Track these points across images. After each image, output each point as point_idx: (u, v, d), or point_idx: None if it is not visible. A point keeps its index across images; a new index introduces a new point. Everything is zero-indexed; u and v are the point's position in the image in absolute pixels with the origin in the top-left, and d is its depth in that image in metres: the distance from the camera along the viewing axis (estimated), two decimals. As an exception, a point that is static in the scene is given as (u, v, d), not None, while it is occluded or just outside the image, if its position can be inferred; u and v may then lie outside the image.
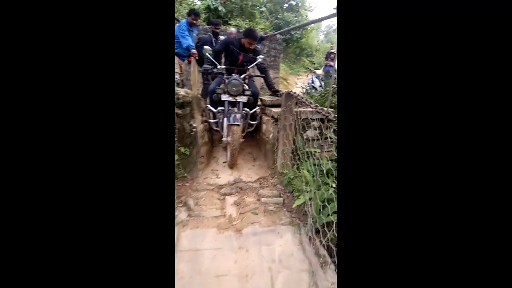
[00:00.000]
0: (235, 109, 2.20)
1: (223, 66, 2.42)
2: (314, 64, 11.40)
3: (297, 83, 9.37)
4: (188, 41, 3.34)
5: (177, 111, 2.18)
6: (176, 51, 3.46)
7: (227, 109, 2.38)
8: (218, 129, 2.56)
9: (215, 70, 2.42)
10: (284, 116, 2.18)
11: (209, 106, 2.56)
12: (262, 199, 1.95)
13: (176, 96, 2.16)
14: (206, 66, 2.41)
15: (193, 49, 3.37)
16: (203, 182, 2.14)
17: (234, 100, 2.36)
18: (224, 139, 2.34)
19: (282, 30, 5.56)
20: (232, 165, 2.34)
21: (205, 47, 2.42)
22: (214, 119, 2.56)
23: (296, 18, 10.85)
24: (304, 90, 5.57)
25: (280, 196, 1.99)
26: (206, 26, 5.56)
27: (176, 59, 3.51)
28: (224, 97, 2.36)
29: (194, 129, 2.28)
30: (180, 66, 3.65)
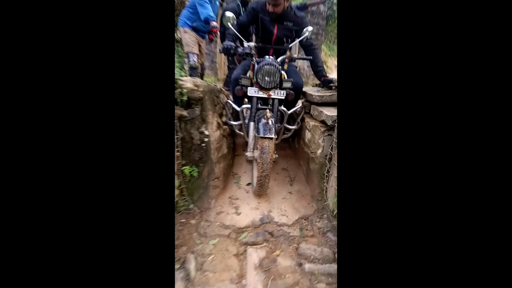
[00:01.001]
0: (267, 111, 1.41)
1: (251, 44, 1.60)
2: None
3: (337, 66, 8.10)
4: (207, 10, 2.53)
5: (181, 112, 1.46)
6: (193, 24, 2.69)
7: (255, 109, 1.60)
8: (242, 133, 1.81)
9: (239, 49, 1.61)
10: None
11: (230, 101, 1.79)
12: (306, 266, 1.19)
13: (179, 90, 1.43)
14: (227, 43, 1.61)
15: (213, 21, 2.56)
16: (215, 221, 1.43)
17: (266, 96, 1.56)
18: (249, 153, 1.58)
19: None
20: (259, 194, 1.59)
21: (226, 14, 1.61)
22: (237, 121, 1.80)
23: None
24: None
25: (335, 261, 1.21)
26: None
27: (193, 35, 2.74)
28: (252, 92, 1.56)
29: (206, 139, 1.55)
30: (199, 45, 2.87)
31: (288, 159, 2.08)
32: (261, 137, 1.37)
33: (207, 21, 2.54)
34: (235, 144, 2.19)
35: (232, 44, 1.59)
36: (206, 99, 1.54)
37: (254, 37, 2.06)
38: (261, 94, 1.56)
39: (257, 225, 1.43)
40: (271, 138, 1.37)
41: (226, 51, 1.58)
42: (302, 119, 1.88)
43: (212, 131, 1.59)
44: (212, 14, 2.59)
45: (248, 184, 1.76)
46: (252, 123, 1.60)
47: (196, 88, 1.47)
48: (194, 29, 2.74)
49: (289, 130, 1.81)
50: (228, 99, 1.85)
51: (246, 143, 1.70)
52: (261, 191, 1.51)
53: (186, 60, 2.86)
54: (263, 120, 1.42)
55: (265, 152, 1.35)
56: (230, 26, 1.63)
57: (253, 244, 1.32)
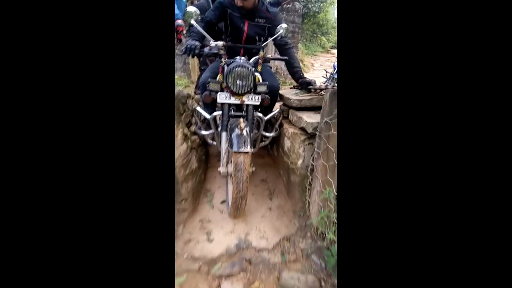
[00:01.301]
0: (241, 120, 1.22)
1: (219, 43, 1.40)
2: (329, 43, 10.06)
3: (314, 65, 8.10)
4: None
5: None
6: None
7: (227, 117, 1.40)
8: (214, 143, 1.60)
9: (205, 49, 1.40)
10: (327, 133, 1.19)
11: (199, 109, 1.57)
12: (290, 302, 1.02)
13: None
14: (190, 42, 1.39)
15: (178, 19, 2.31)
16: (182, 253, 1.22)
17: (239, 102, 1.37)
18: (222, 169, 1.38)
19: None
20: (235, 216, 1.40)
21: (188, 9, 1.39)
22: (208, 130, 1.59)
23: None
24: (329, 76, 4.41)
25: (322, 292, 1.06)
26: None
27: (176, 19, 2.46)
28: (222, 98, 1.36)
29: (169, 154, 1.32)
30: (179, 28, 2.59)
31: (267, 168, 1.91)
32: (235, 152, 1.17)
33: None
34: (208, 154, 1.98)
35: (196, 43, 1.37)
36: (167, 108, 1.32)
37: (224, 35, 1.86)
38: (233, 100, 1.37)
39: (233, 252, 1.23)
40: (247, 153, 1.18)
41: (189, 51, 1.36)
42: (281, 125, 1.71)
43: (176, 146, 1.37)
44: (177, 9, 2.34)
45: (223, 201, 1.56)
46: (224, 133, 1.40)
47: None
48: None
49: (267, 137, 1.63)
50: (196, 107, 1.63)
51: (219, 154, 1.50)
52: (236, 213, 1.32)
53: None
54: (237, 131, 1.22)
55: (239, 169, 1.16)
56: (194, 22, 1.42)
57: (228, 276, 1.13)
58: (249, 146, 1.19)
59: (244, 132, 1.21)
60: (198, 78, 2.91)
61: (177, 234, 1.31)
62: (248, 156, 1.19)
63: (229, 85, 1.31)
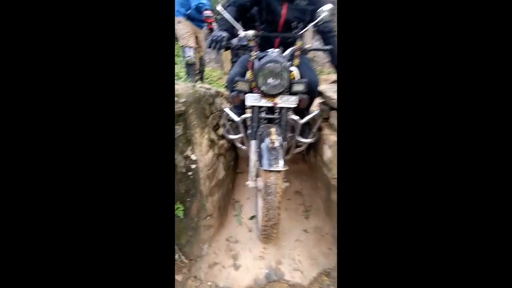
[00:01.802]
0: (273, 130, 1.01)
1: (250, 32, 1.17)
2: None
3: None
4: None
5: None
6: (187, 12, 2.26)
7: (257, 122, 1.19)
8: (244, 147, 1.42)
9: (233, 41, 1.18)
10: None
11: (227, 110, 1.38)
12: None
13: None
14: (216, 33, 1.17)
15: (206, 9, 2.12)
16: (206, 279, 1.08)
17: (271, 104, 1.15)
18: (251, 183, 1.19)
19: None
20: (265, 239, 1.21)
21: None
22: (236, 133, 1.41)
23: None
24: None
25: None
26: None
27: (188, 25, 2.32)
28: (251, 100, 1.15)
29: (193, 166, 1.18)
30: (196, 36, 2.45)
31: (302, 177, 1.67)
32: (265, 170, 0.97)
33: (199, 9, 2.11)
34: (237, 158, 1.81)
35: (223, 34, 1.15)
36: (190, 113, 1.16)
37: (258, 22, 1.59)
38: (264, 103, 1.15)
39: (262, 284, 1.06)
40: (279, 172, 0.96)
41: (214, 44, 1.15)
42: (319, 129, 1.44)
43: (201, 154, 1.21)
44: (204, 0, 2.14)
45: (252, 217, 1.39)
46: (253, 142, 1.20)
47: (175, 98, 1.09)
48: (189, 17, 2.32)
49: (301, 144, 1.39)
50: (225, 108, 1.45)
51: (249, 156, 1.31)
52: (267, 239, 1.13)
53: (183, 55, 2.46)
54: (267, 142, 1.01)
55: (270, 192, 0.96)
56: (221, 9, 1.21)
57: (256, 315, 0.97)
58: (281, 163, 0.97)
59: (276, 144, 0.99)
60: (229, 72, 2.73)
61: (201, 254, 1.18)
62: (281, 175, 0.98)
63: (260, 85, 1.08)
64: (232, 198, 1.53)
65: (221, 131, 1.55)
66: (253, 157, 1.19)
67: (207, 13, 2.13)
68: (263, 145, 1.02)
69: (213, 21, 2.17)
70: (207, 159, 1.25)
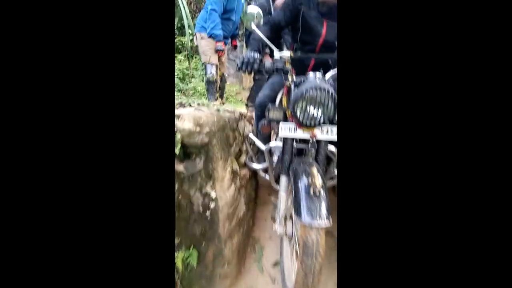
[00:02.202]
0: (314, 169, 0.83)
1: (286, 53, 1.02)
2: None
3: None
4: (213, 23, 2.04)
5: (177, 167, 0.94)
6: (212, 31, 2.16)
7: (289, 157, 1.01)
8: (267, 176, 1.25)
9: (267, 63, 1.03)
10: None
11: (252, 136, 1.22)
12: None
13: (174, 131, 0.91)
14: (248, 55, 1.01)
15: (219, 40, 2.06)
16: None
17: (309, 136, 0.97)
18: (279, 228, 0.98)
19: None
20: None
21: (249, 9, 1.06)
22: (260, 162, 1.25)
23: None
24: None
25: None
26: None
27: (211, 42, 2.23)
28: (286, 131, 0.98)
29: (212, 204, 1.01)
30: (218, 53, 2.35)
31: (333, 213, 1.45)
32: (305, 225, 0.77)
33: (214, 37, 2.04)
34: (257, 187, 1.63)
35: (256, 56, 1.00)
36: (214, 144, 1.00)
37: (290, 40, 1.43)
38: (301, 135, 0.97)
39: None
40: (322, 227, 0.76)
41: (246, 67, 1.00)
42: None
43: (222, 191, 1.04)
44: (217, 30, 2.06)
45: (276, 264, 1.18)
46: (284, 178, 1.01)
47: (198, 129, 0.94)
48: (212, 35, 2.23)
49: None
50: (249, 134, 1.29)
51: (274, 191, 1.13)
52: None
53: (201, 72, 2.38)
54: (305, 182, 0.81)
55: (309, 253, 0.75)
56: (254, 27, 1.07)
57: None
58: (326, 216, 0.77)
59: (319, 191, 0.78)
60: (252, 89, 2.60)
61: (215, 313, 0.99)
62: (324, 232, 0.78)
63: (298, 114, 0.91)
64: (252, 236, 1.34)
65: (243, 158, 1.39)
66: (283, 196, 1.01)
67: (219, 45, 2.06)
68: (301, 187, 0.82)
69: (222, 55, 2.12)
70: (228, 196, 1.08)
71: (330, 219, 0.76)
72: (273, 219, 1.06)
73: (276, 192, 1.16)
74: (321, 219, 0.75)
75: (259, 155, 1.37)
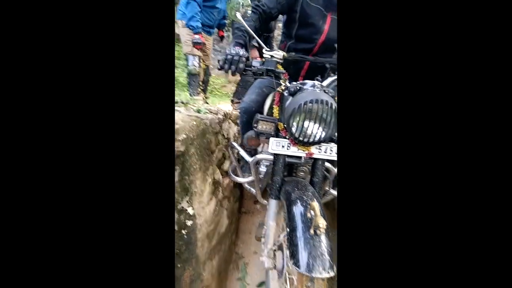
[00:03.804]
0: (315, 202, 0.65)
1: (279, 53, 0.85)
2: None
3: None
4: (191, 12, 1.85)
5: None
6: (190, 22, 1.95)
7: (281, 175, 0.86)
8: (253, 190, 1.08)
9: (254, 63, 0.87)
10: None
11: (237, 146, 1.07)
12: None
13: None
14: (232, 51, 0.83)
15: (196, 32, 1.88)
16: None
17: (304, 154, 0.82)
18: (266, 261, 0.82)
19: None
20: None
21: None
22: (246, 175, 1.11)
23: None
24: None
25: None
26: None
27: (193, 33, 2.02)
28: (277, 147, 0.82)
29: (189, 222, 0.87)
30: (203, 44, 2.14)
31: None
32: (304, 275, 0.60)
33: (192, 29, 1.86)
34: (242, 196, 1.50)
35: (241, 52, 0.83)
36: (192, 153, 0.85)
37: (284, 34, 1.25)
38: (295, 152, 0.82)
39: None
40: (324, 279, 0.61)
41: (229, 66, 0.82)
42: None
43: (201, 207, 0.91)
44: (195, 21, 1.88)
45: (261, 284, 1.07)
46: (273, 202, 0.86)
47: (175, 136, 0.79)
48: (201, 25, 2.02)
49: (331, 194, 1.08)
50: (232, 143, 1.12)
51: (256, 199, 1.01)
52: None
53: (184, 63, 2.18)
54: (302, 215, 0.66)
55: None
56: (240, 17, 0.90)
57: None
58: (330, 263, 0.59)
59: (322, 231, 0.61)
60: (238, 85, 2.43)
61: None
62: (327, 283, 0.64)
63: (293, 130, 0.76)
64: (235, 252, 1.22)
65: (226, 165, 1.25)
66: (271, 226, 0.86)
67: (196, 37, 1.88)
68: (298, 223, 0.66)
69: (200, 47, 1.94)
70: (208, 212, 0.94)
71: (334, 267, 0.60)
72: (258, 239, 0.93)
73: (263, 208, 1.03)
74: (324, 267, 0.59)
75: (244, 165, 1.22)
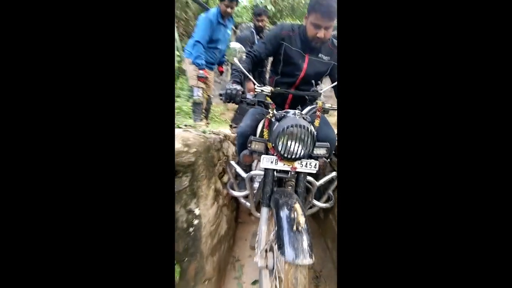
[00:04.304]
0: (297, 205, 0.86)
1: (267, 88, 1.12)
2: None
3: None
4: (196, 52, 2.21)
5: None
6: (196, 60, 2.29)
7: (271, 186, 1.06)
8: (248, 204, 1.26)
9: (248, 96, 1.14)
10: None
11: (234, 164, 1.28)
12: None
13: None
14: (230, 87, 1.10)
15: (201, 68, 2.23)
16: None
17: (289, 169, 1.05)
18: (259, 261, 0.97)
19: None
20: None
21: (232, 45, 1.17)
22: (241, 190, 1.29)
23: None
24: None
25: None
26: (250, 24, 4.40)
27: (196, 69, 2.36)
28: (267, 163, 1.04)
29: (196, 221, 1.05)
30: (207, 77, 2.48)
31: (314, 239, 1.53)
32: (288, 263, 0.77)
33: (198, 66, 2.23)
34: (238, 207, 1.68)
35: (238, 88, 1.09)
36: (200, 164, 1.08)
37: (269, 74, 1.56)
38: (282, 167, 1.04)
39: None
40: (306, 266, 0.77)
41: (229, 98, 1.08)
42: (335, 189, 1.34)
43: (206, 209, 1.10)
44: (200, 60, 2.25)
45: (255, 282, 1.22)
46: (265, 210, 1.05)
47: (186, 149, 1.01)
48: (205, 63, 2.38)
49: (313, 206, 1.27)
50: (230, 161, 1.33)
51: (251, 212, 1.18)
52: None
53: (189, 93, 2.49)
54: (288, 216, 0.83)
55: (294, 285, 0.76)
56: (236, 61, 1.15)
57: None
58: (309, 253, 0.76)
59: (302, 228, 0.78)
60: (235, 112, 2.73)
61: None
62: (308, 270, 0.80)
63: (279, 148, 0.98)
64: (232, 255, 1.37)
65: (225, 178, 1.46)
66: (263, 229, 1.04)
67: (201, 72, 2.24)
68: (284, 223, 0.83)
69: (203, 81, 2.29)
70: (211, 213, 1.14)
71: (313, 256, 0.77)
72: (252, 248, 1.10)
73: (257, 220, 1.20)
74: (304, 256, 0.75)
75: (240, 181, 1.40)
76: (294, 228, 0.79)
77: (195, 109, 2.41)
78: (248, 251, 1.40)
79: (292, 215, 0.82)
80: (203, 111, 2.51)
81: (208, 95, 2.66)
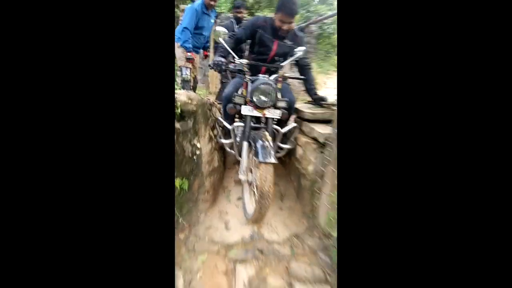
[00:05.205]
0: (266, 133, 1.41)
1: (244, 61, 1.62)
2: (344, 63, 10.30)
3: (326, 83, 8.36)
4: (184, 37, 2.61)
5: (176, 125, 1.45)
6: (184, 44, 2.70)
7: (249, 128, 1.58)
8: (233, 152, 1.77)
9: (231, 65, 1.64)
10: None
11: (221, 118, 1.78)
12: (297, 286, 1.16)
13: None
14: (217, 58, 1.62)
15: (188, 51, 2.64)
16: (204, 236, 1.39)
17: (261, 115, 1.57)
18: (242, 176, 1.54)
19: (321, 18, 4.75)
20: (256, 222, 1.53)
21: (217, 28, 1.65)
22: (227, 139, 1.78)
23: (330, 11, 9.80)
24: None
25: (327, 282, 1.19)
26: (230, 15, 4.80)
27: (184, 51, 2.77)
28: (246, 111, 1.56)
29: (197, 152, 1.53)
30: (193, 59, 2.90)
31: (278, 173, 2.08)
32: (261, 162, 1.29)
33: (186, 48, 2.62)
34: (225, 158, 2.18)
35: (223, 60, 1.61)
36: (199, 113, 1.55)
37: (247, 53, 2.07)
38: (256, 113, 1.56)
39: (247, 241, 1.40)
40: (272, 163, 1.30)
41: (216, 66, 1.59)
42: (296, 138, 1.88)
43: (204, 144, 1.58)
44: (188, 44, 2.66)
45: (239, 198, 1.74)
46: (245, 143, 1.56)
47: (189, 101, 1.48)
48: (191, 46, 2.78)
49: (281, 149, 1.81)
50: (217, 117, 1.84)
51: (238, 161, 1.67)
52: (257, 218, 1.45)
53: (178, 73, 2.89)
54: (261, 142, 1.36)
55: (265, 179, 1.27)
56: (222, 40, 1.64)
57: (242, 261, 1.29)
58: (274, 157, 1.32)
59: (268, 144, 1.35)
60: (220, 90, 3.19)
61: (199, 221, 1.49)
62: (272, 168, 1.33)
63: (254, 99, 1.50)
64: (223, 185, 1.88)
65: (215, 132, 1.94)
66: (244, 154, 1.55)
67: (189, 54, 2.66)
68: (258, 144, 1.35)
69: (192, 62, 2.71)
70: (208, 148, 1.62)
71: (276, 159, 1.33)
72: (237, 182, 1.61)
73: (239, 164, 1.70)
74: (270, 158, 1.30)
75: (226, 133, 1.89)
76: (264, 143, 1.34)
77: (184, 86, 2.83)
78: (233, 184, 1.91)
79: (263, 138, 1.37)
80: (191, 88, 2.93)
81: (194, 75, 3.08)
